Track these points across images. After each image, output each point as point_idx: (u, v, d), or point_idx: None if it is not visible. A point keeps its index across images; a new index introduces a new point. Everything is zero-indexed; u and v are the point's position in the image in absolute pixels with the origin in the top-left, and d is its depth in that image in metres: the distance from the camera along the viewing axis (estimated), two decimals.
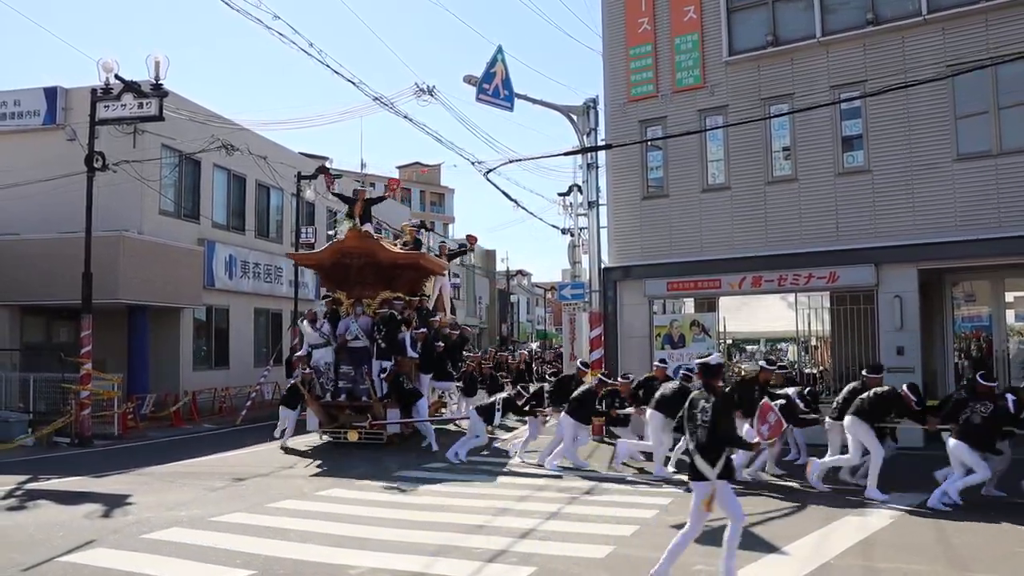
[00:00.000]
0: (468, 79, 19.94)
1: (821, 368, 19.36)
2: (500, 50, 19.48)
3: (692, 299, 19.46)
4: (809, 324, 17.86)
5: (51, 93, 23.23)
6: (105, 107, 18.88)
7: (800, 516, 10.07)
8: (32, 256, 21.21)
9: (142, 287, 21.60)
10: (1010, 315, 17.14)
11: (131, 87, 18.63)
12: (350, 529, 9.47)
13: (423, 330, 17.82)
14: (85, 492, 12.10)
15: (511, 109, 19.69)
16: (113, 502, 11.25)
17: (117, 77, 18.47)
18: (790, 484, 12.14)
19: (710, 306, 18.98)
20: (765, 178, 18.09)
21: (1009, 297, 17.19)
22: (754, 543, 8.45)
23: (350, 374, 16.87)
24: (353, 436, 16.23)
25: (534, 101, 20.06)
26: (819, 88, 17.34)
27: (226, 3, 15.61)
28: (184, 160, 24.49)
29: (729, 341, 18.94)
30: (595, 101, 19.61)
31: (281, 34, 37.64)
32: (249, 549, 8.55)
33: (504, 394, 16.03)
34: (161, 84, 18.30)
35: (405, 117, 47.93)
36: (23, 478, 13.35)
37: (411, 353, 17.22)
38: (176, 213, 24.58)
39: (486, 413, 14.96)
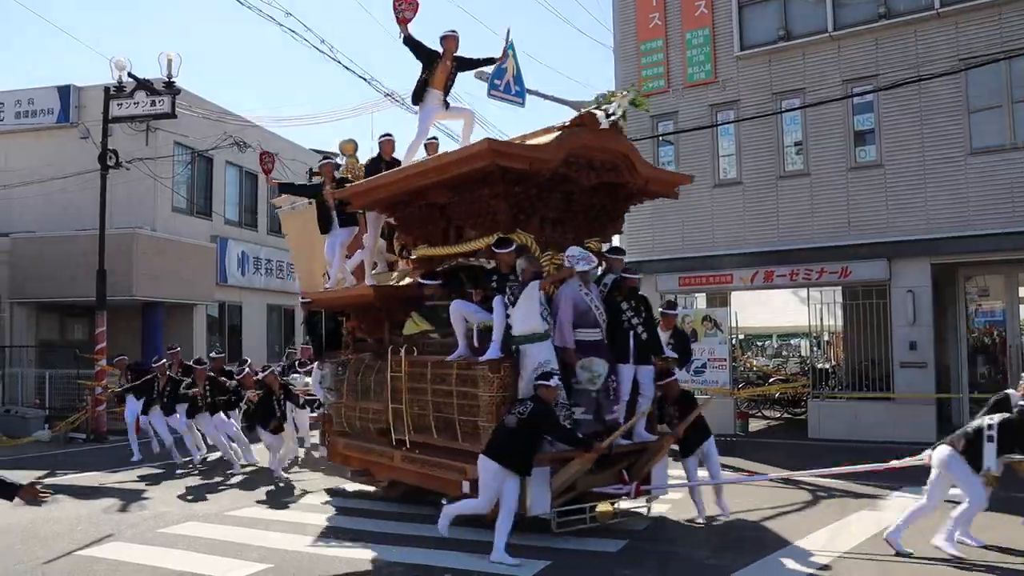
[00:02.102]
0: (479, 74, 19.95)
1: (833, 363, 19.38)
2: (511, 47, 19.47)
3: (704, 294, 19.47)
4: (821, 319, 17.83)
5: (64, 92, 23.33)
6: (118, 105, 19.02)
7: (814, 511, 10.07)
8: (47, 254, 21.34)
9: (156, 284, 21.71)
10: (1023, 310, 17.10)
11: (144, 85, 18.76)
12: (367, 524, 9.56)
13: (674, 311, 11.24)
14: (101, 487, 12.21)
15: (523, 104, 19.66)
16: (129, 497, 11.37)
17: (130, 75, 18.59)
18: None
19: (722, 301, 18.96)
20: (777, 173, 18.06)
21: (1023, 292, 17.14)
22: (768, 538, 8.48)
23: (590, 391, 8.66)
24: (607, 511, 8.66)
25: (545, 96, 20.03)
26: (831, 83, 17.30)
27: (239, 1, 15.68)
28: (196, 157, 24.58)
29: (741, 336, 18.92)
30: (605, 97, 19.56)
31: (293, 31, 37.85)
32: (265, 543, 8.62)
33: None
34: (173, 82, 18.42)
35: (416, 114, 47.95)
36: (40, 473, 13.46)
37: (668, 352, 10.15)
38: (189, 210, 24.68)
39: None
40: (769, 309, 18.75)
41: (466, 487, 8.30)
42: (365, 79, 23.37)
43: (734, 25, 18.63)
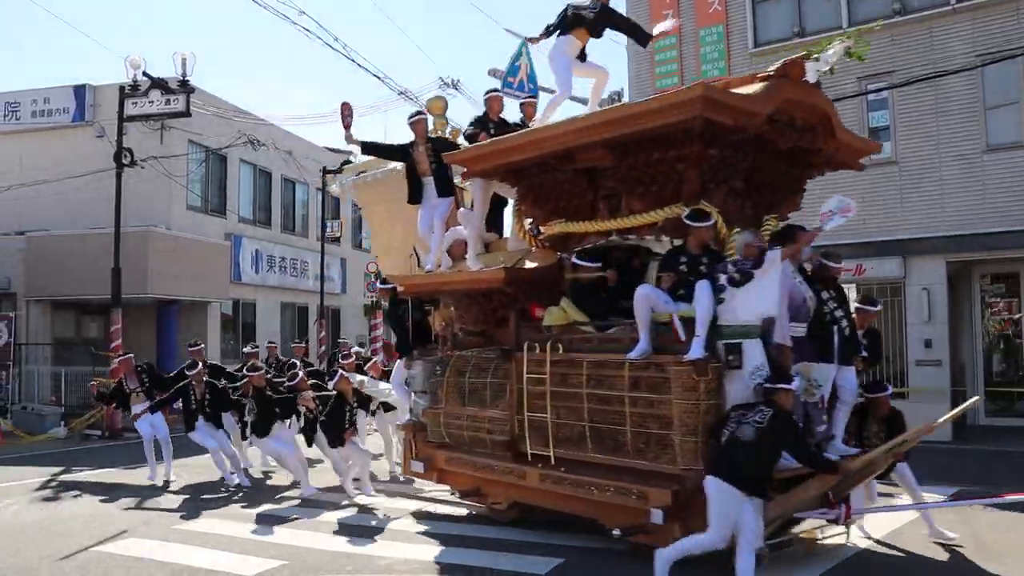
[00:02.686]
0: (493, 72, 19.98)
1: None
2: (524, 44, 19.48)
3: None
4: None
5: (80, 91, 23.45)
6: (133, 104, 19.11)
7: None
8: (62, 252, 21.46)
9: (170, 282, 21.80)
10: None
11: (158, 84, 18.84)
12: (385, 522, 9.56)
13: (876, 307, 9.18)
14: (117, 484, 12.27)
15: (536, 101, 19.68)
16: (144, 493, 11.42)
17: (145, 74, 18.68)
18: None
19: None
20: None
21: None
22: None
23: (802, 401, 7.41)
24: (814, 539, 7.76)
25: None
26: (846, 79, 17.20)
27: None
28: (210, 155, 24.67)
29: None
30: (620, 94, 19.61)
31: (307, 29, 37.90)
32: (281, 540, 8.64)
33: None
34: (187, 80, 18.50)
35: (429, 112, 48.05)
36: (57, 470, 13.55)
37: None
38: (203, 208, 24.77)
39: None
40: None
41: (657, 516, 6.81)
42: (379, 77, 23.45)
43: (748, 21, 18.58)
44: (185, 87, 18.56)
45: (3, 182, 22.82)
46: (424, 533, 8.85)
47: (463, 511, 9.84)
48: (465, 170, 9.35)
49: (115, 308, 18.75)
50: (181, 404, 12.21)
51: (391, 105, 65.49)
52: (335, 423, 10.69)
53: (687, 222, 7.30)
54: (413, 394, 10.27)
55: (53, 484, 12.37)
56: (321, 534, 8.90)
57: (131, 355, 13.52)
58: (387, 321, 10.97)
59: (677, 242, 7.71)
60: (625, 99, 19.75)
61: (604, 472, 7.50)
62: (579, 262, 8.21)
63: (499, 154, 8.61)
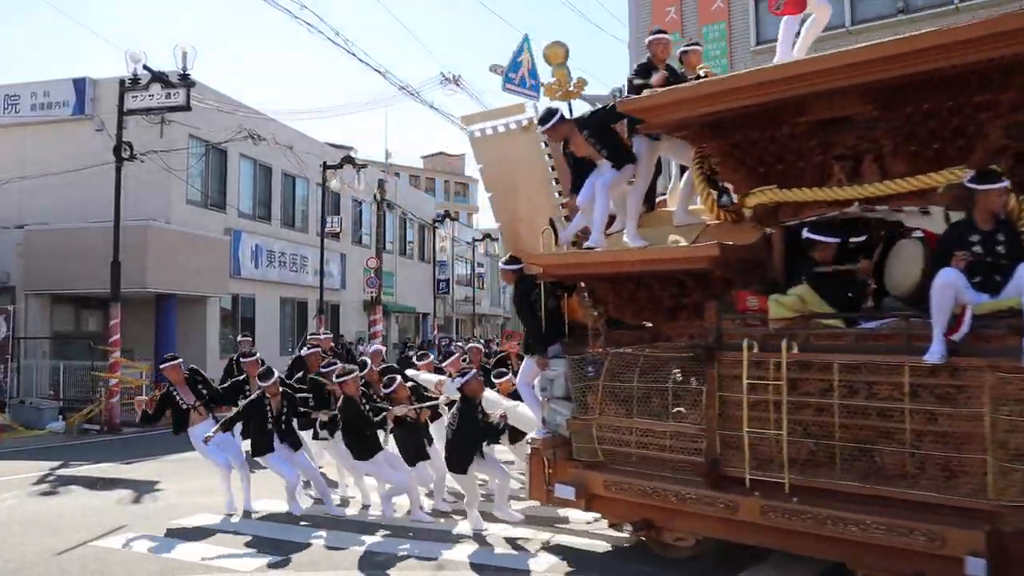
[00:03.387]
0: (494, 68, 19.89)
1: None
2: (526, 39, 19.32)
3: None
4: None
5: (80, 84, 23.38)
6: (133, 97, 19.03)
7: None
8: (61, 246, 21.39)
9: (169, 276, 21.74)
10: None
11: (158, 77, 18.76)
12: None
13: None
14: (115, 478, 12.23)
15: (537, 99, 19.50)
16: (142, 488, 11.38)
17: (145, 67, 18.60)
18: None
19: None
20: None
21: None
22: None
23: None
24: None
25: None
26: None
27: None
28: (211, 150, 24.61)
29: None
30: (621, 91, 19.49)
31: (308, 23, 37.83)
32: (277, 536, 8.62)
33: None
34: (188, 74, 18.41)
35: (431, 106, 48.02)
36: (55, 464, 13.51)
37: None
38: (203, 203, 24.71)
39: None
40: None
41: (976, 567, 5.24)
42: (380, 72, 23.41)
43: (750, 20, 18.58)
44: (185, 81, 18.48)
45: (2, 175, 22.77)
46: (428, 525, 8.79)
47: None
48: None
49: (114, 302, 18.69)
50: (245, 421, 9.79)
51: (392, 100, 65.29)
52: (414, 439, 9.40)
53: (974, 186, 5.84)
54: (549, 401, 8.04)
55: (51, 479, 12.33)
56: (323, 530, 8.85)
57: (179, 359, 10.21)
58: (521, 310, 8.69)
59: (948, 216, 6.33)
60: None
61: (859, 504, 5.90)
62: (816, 236, 6.71)
63: (697, 102, 6.80)
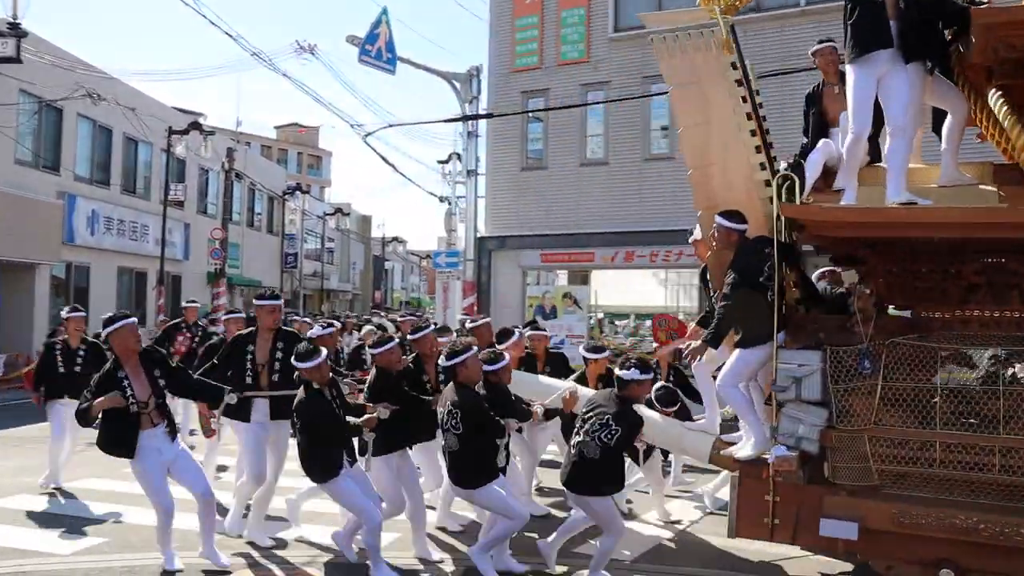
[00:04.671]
0: (351, 39, 19.53)
1: (687, 344, 19.90)
2: (385, 12, 19.19)
3: (566, 271, 19.71)
4: (678, 300, 18.29)
5: None
6: None
7: None
8: None
9: None
10: None
11: None
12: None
13: None
14: None
15: (393, 72, 19.50)
16: None
17: None
18: None
19: (583, 279, 19.24)
20: (643, 155, 18.38)
21: None
22: None
23: None
24: None
25: (416, 66, 19.86)
26: None
27: None
28: (44, 108, 23.17)
29: (600, 315, 19.22)
30: (479, 70, 19.54)
31: None
32: (102, 514, 8.23)
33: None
34: (19, 23, 17.25)
35: (284, 75, 46.78)
36: None
37: None
38: (34, 164, 23.26)
39: None
40: (630, 288, 19.09)
41: None
42: (231, 36, 22.54)
43: (609, 6, 18.85)
44: (16, 31, 17.30)
45: None
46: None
47: None
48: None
49: None
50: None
51: (243, 66, 63.43)
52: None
53: None
54: (785, 407, 5.99)
55: None
56: (147, 509, 8.45)
57: (132, 318, 6.52)
58: (739, 284, 6.24)
59: None
60: (484, 76, 19.67)
61: None
62: None
63: None
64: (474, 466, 6.27)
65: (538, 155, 19.76)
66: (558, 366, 9.04)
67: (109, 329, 6.28)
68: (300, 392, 6.41)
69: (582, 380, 7.99)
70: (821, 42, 7.33)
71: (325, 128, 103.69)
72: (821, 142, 6.82)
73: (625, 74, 18.48)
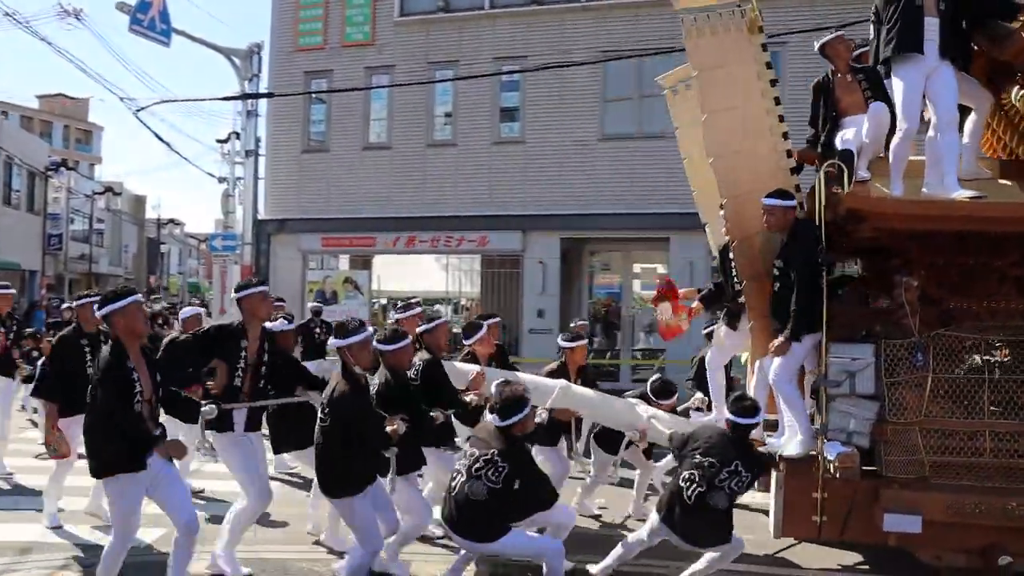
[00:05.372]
0: (121, 6, 18.42)
1: None
2: None
3: (347, 256, 19.52)
4: (460, 285, 18.53)
5: None
6: None
7: None
8: None
9: None
10: (636, 284, 18.84)
11: None
12: None
13: None
14: None
15: (168, 44, 18.51)
16: None
17: None
18: None
19: (365, 264, 19.12)
20: (426, 141, 18.45)
21: (636, 268, 18.92)
22: None
23: None
24: None
25: (193, 39, 18.96)
26: (483, 58, 17.90)
27: None
28: None
29: (384, 300, 19.16)
30: (260, 47, 18.90)
31: None
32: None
33: None
34: None
35: (43, 39, 43.51)
36: None
37: None
38: None
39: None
40: (411, 273, 19.14)
41: None
42: None
43: None
44: None
45: None
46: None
47: None
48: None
49: None
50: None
51: None
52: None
53: None
54: (835, 401, 5.82)
55: None
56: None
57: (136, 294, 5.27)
58: (786, 272, 6.03)
59: None
60: (266, 54, 19.11)
61: None
62: None
63: None
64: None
65: (320, 137, 19.40)
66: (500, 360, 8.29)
67: (114, 306, 4.93)
68: (337, 380, 5.40)
69: (562, 371, 7.41)
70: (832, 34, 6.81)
71: (95, 101, 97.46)
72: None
73: (410, 59, 18.45)
